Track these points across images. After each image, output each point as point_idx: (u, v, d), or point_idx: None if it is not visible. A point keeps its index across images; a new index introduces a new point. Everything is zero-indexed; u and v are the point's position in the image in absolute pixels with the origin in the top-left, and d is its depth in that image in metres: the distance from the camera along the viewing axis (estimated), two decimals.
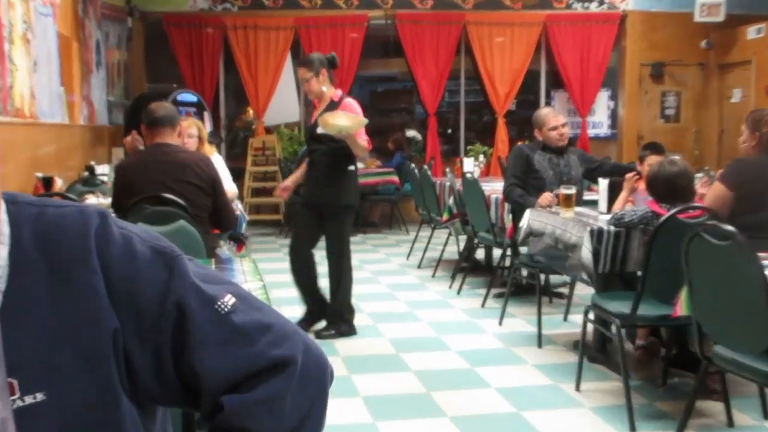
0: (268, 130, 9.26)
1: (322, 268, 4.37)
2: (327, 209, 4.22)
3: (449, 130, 11.90)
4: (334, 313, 4.37)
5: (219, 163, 4.40)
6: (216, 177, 3.52)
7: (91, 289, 0.86)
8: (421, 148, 10.31)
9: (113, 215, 0.92)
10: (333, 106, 4.15)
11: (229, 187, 4.22)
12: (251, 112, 9.79)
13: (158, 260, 0.91)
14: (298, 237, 4.37)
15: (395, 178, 8.74)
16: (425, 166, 6.75)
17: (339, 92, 4.22)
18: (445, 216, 6.00)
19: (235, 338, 0.92)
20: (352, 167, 4.28)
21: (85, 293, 0.85)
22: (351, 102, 4.20)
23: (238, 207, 4.41)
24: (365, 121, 4.06)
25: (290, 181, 4.34)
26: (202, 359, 0.90)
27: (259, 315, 0.95)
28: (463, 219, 5.73)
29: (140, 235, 0.92)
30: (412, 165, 7.31)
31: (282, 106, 9.33)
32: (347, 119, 4.01)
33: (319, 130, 4.06)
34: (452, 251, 6.95)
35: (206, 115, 8.43)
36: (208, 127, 8.08)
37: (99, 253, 0.87)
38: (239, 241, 4.20)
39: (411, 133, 10.72)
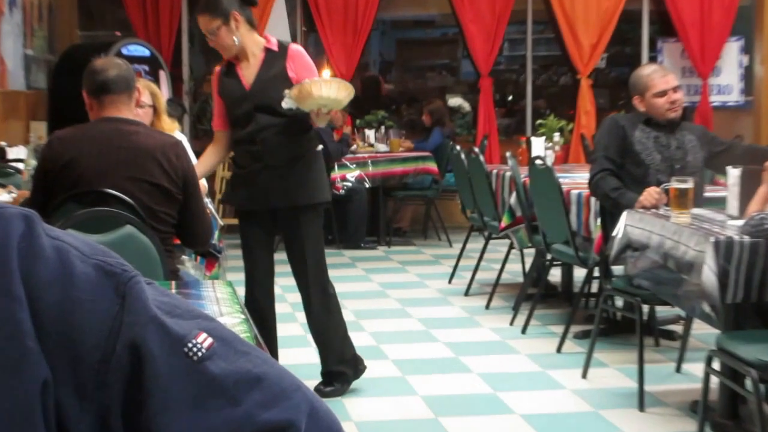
0: None
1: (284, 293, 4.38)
2: (295, 213, 4.20)
3: (510, 97, 11.90)
4: (331, 359, 4.37)
5: None
6: (191, 172, 3.51)
7: (12, 326, 0.87)
8: (470, 123, 10.31)
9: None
10: (275, 57, 4.12)
11: None
12: None
13: (106, 284, 0.92)
14: (258, 267, 4.30)
15: (432, 166, 8.76)
16: (476, 149, 6.75)
17: (273, 39, 4.21)
18: (505, 221, 5.99)
19: (212, 395, 0.92)
20: (320, 146, 4.33)
21: (2, 331, 0.87)
22: (300, 51, 4.19)
23: (209, 207, 4.45)
24: (353, 88, 4.10)
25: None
26: (165, 424, 0.91)
27: (246, 363, 0.95)
28: (530, 225, 5.72)
29: (80, 249, 0.93)
30: (457, 147, 7.31)
31: None
32: (341, 89, 3.98)
33: (286, 105, 4.01)
34: (515, 271, 6.93)
35: (163, 75, 8.49)
36: (165, 92, 8.13)
37: (24, 273, 0.88)
38: (210, 256, 4.23)
39: (455, 101, 10.74)
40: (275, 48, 4.17)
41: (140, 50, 8.41)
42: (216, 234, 4.34)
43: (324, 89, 3.93)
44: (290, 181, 4.16)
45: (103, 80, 3.41)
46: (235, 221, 8.97)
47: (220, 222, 4.90)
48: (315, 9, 9.46)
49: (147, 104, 4.37)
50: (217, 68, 4.32)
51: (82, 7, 9.61)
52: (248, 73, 4.16)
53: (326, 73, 9.64)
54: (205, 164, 4.30)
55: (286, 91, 3.98)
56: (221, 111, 4.27)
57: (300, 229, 4.23)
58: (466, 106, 10.55)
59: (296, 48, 4.21)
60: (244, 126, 4.16)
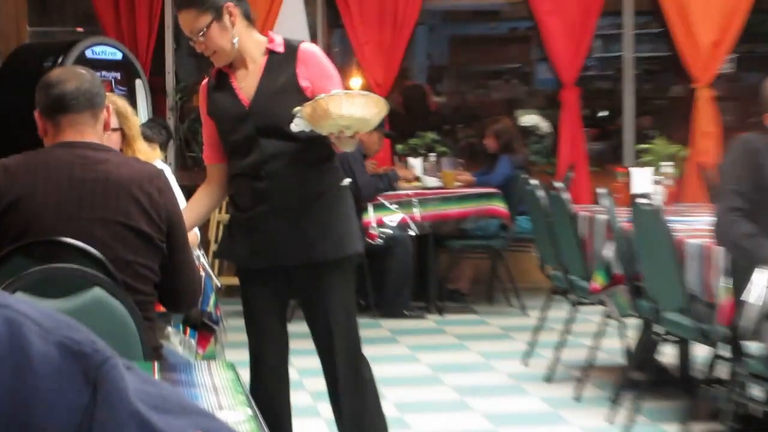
0: None
1: (312, 382, 4.37)
2: (316, 271, 4.19)
3: (603, 113, 11.87)
4: None
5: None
6: (177, 212, 3.54)
7: None
8: (550, 149, 10.28)
9: None
10: (281, 61, 4.14)
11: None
12: None
13: (72, 368, 0.92)
14: (267, 344, 4.32)
15: (500, 208, 8.73)
16: (558, 184, 6.74)
17: (278, 37, 4.23)
18: (599, 280, 5.96)
19: None
20: (346, 180, 4.32)
21: None
22: (315, 52, 4.22)
23: (202, 263, 4.47)
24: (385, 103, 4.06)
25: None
26: None
27: None
28: (633, 286, 5.68)
29: (39, 322, 0.94)
30: (533, 181, 7.30)
31: None
32: (368, 104, 3.93)
33: (297, 127, 3.99)
34: (613, 349, 6.87)
35: (140, 85, 8.55)
36: (143, 108, 8.18)
37: None
38: (203, 328, 4.24)
39: (530, 119, 10.74)
40: (281, 49, 4.18)
41: (110, 52, 8.50)
42: (212, 299, 4.36)
43: (345, 106, 3.88)
44: (308, 228, 4.15)
45: (59, 95, 3.43)
46: (236, 281, 8.98)
47: (217, 282, 4.91)
48: None
49: (111, 128, 4.38)
50: (204, 81, 4.33)
51: None
52: (247, 85, 4.18)
53: (356, 81, 9.69)
54: (197, 210, 4.29)
55: (297, 109, 3.94)
56: (213, 137, 4.28)
57: (323, 293, 4.23)
58: (544, 125, 10.55)
59: (309, 48, 4.22)
60: (244, 155, 4.16)
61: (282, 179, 4.13)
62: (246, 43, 4.15)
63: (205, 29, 4.06)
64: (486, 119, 10.37)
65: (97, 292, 3.13)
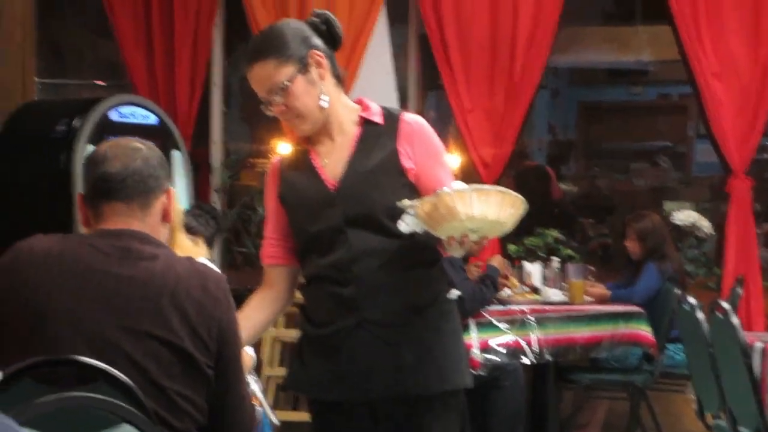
0: None
1: None
2: (415, 408, 4.19)
3: None
4: None
5: None
6: (234, 332, 3.58)
7: None
8: (712, 257, 10.21)
9: None
10: (378, 135, 4.17)
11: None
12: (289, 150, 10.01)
13: None
14: None
15: (643, 332, 8.66)
16: (723, 304, 6.69)
17: (374, 104, 4.26)
18: None
19: None
20: (454, 292, 4.32)
21: None
22: (422, 126, 4.23)
23: (256, 393, 4.48)
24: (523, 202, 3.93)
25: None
26: None
27: None
28: None
29: None
30: (690, 300, 7.25)
31: None
32: (505, 204, 3.83)
33: (408, 227, 3.90)
34: None
35: (178, 158, 8.63)
36: (182, 190, 8.26)
37: None
38: None
39: (685, 216, 10.69)
40: (379, 119, 4.22)
41: (141, 115, 8.64)
42: None
43: (477, 205, 3.80)
44: (405, 351, 4.14)
45: (101, 177, 3.51)
46: (294, 416, 8.97)
47: (274, 419, 4.91)
48: (441, 51, 9.58)
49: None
50: (275, 161, 4.37)
51: (46, 40, 9.85)
52: (332, 162, 4.20)
53: (453, 160, 9.73)
54: (252, 323, 4.29)
55: (409, 203, 3.91)
56: (281, 230, 4.32)
57: None
58: (705, 224, 10.49)
59: (414, 120, 4.24)
60: (325, 252, 4.16)
61: (374, 285, 4.11)
62: (335, 108, 4.18)
63: (286, 83, 4.07)
64: (626, 214, 10.34)
65: (128, 431, 3.12)
